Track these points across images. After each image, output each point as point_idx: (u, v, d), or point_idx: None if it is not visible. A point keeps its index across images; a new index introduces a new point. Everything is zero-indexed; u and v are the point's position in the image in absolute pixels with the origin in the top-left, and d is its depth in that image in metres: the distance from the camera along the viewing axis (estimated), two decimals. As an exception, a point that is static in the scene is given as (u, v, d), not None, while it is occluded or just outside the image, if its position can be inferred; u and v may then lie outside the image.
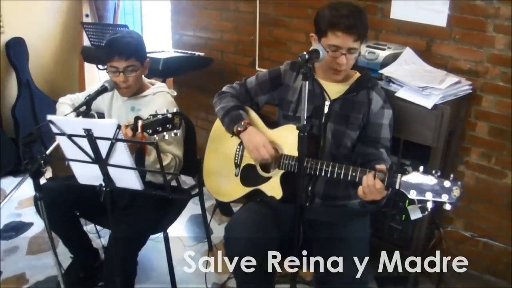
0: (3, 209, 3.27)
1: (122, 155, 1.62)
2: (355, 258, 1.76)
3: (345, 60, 1.84)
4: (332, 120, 1.94)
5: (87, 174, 1.74)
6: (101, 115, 2.41)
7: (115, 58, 2.11)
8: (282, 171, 1.91)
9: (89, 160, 1.67)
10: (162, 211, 2.28)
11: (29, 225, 3.09)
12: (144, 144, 1.96)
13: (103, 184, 1.72)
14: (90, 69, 4.03)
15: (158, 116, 1.82)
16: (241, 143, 2.03)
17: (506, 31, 2.31)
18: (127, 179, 1.69)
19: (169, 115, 1.80)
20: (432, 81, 2.26)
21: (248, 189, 2.01)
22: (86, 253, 2.41)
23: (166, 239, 2.25)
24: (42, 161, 1.79)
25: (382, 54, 2.43)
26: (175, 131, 1.81)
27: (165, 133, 1.82)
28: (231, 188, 2.07)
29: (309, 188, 1.96)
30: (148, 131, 1.85)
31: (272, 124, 2.05)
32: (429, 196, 1.51)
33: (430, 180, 1.52)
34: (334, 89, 1.96)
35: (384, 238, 2.52)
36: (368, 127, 1.95)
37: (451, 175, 1.52)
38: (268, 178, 1.96)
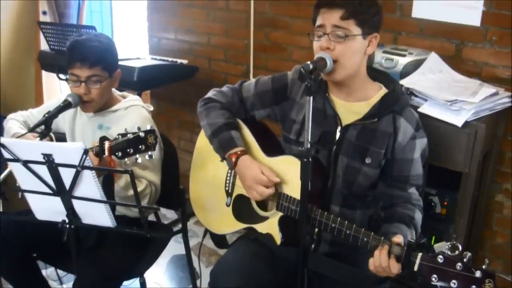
0: None
1: (89, 185, 1.63)
2: None
3: (330, 44, 1.71)
4: (345, 152, 1.85)
5: (47, 209, 1.76)
6: (61, 136, 2.41)
7: (77, 65, 2.11)
8: (280, 214, 1.86)
9: (49, 191, 1.68)
10: (138, 251, 2.28)
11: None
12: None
13: (67, 221, 1.74)
14: (49, 78, 4.00)
15: (129, 135, 1.81)
16: (230, 169, 2.02)
17: None
18: (96, 214, 1.71)
19: (142, 134, 1.78)
20: (463, 93, 2.28)
21: (241, 225, 2.01)
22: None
23: (143, 286, 2.24)
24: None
25: (402, 61, 2.44)
26: (149, 152, 1.82)
27: (137, 155, 1.83)
28: (222, 220, 2.08)
29: (315, 230, 1.91)
30: (117, 153, 1.84)
31: (271, 147, 2.00)
32: (454, 285, 1.45)
33: (457, 265, 1.45)
34: (350, 110, 1.86)
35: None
36: (393, 164, 1.85)
37: (486, 262, 1.46)
38: (265, 218, 1.93)
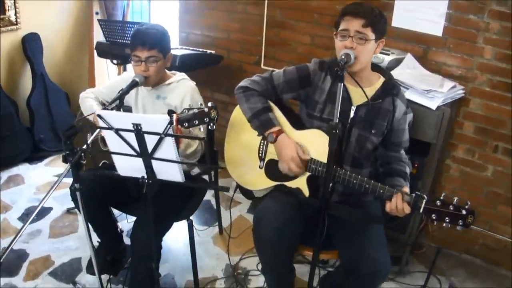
0: (23, 194, 3.10)
1: (168, 149, 1.52)
2: (376, 243, 1.75)
3: (353, 44, 1.69)
4: (357, 125, 1.84)
5: (129, 167, 1.64)
6: (127, 108, 2.26)
7: (138, 48, 1.97)
8: (308, 173, 1.82)
9: (134, 153, 1.56)
10: (186, 199, 2.20)
11: (48, 209, 2.93)
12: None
13: (146, 177, 1.62)
14: (99, 64, 3.83)
15: (194, 109, 1.70)
16: (263, 138, 1.94)
17: (494, 43, 2.35)
18: (170, 172, 1.60)
19: (206, 109, 1.69)
20: (433, 84, 2.25)
21: (273, 183, 1.93)
22: (113, 238, 2.30)
23: (190, 226, 2.16)
24: (82, 154, 1.66)
25: (387, 59, 2.38)
26: (211, 124, 1.72)
27: (201, 126, 1.73)
28: (255, 179, 1.99)
29: (330, 184, 1.83)
30: (184, 124, 1.74)
31: (296, 122, 1.94)
32: (447, 220, 1.53)
33: (449, 207, 1.52)
34: (358, 93, 1.83)
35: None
36: (391, 133, 1.87)
37: (468, 203, 1.53)
38: (295, 177, 1.87)
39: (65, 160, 1.63)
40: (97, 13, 3.71)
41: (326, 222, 1.66)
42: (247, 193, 2.10)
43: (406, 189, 1.66)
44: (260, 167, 1.98)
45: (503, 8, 2.27)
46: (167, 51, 2.08)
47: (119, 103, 1.87)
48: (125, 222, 2.62)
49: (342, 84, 1.54)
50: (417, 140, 2.23)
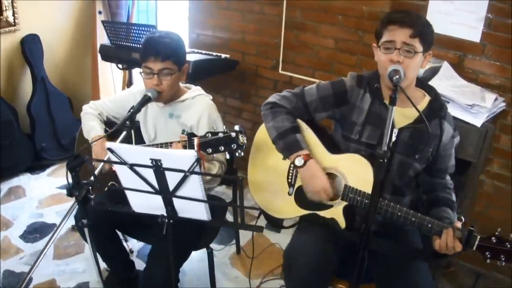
0: (25, 209, 2.91)
1: (193, 186, 1.33)
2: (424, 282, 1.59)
3: (400, 57, 1.49)
4: (400, 150, 1.64)
5: (145, 203, 1.45)
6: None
7: (151, 59, 1.76)
8: (345, 203, 1.64)
9: (152, 191, 1.37)
10: (203, 226, 1.99)
11: (52, 226, 2.75)
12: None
13: (166, 216, 1.43)
14: (103, 67, 3.60)
15: (219, 134, 1.53)
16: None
17: None
18: (195, 210, 1.41)
19: (233, 134, 1.51)
20: (475, 98, 2.06)
21: (304, 212, 1.74)
22: (124, 267, 2.12)
23: (211, 256, 1.98)
24: (90, 187, 1.46)
25: (423, 68, 2.17)
26: (239, 151, 1.53)
27: (226, 152, 1.54)
28: (283, 206, 1.80)
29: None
30: (207, 150, 1.55)
31: (331, 144, 1.75)
32: (503, 259, 1.38)
33: (505, 244, 1.38)
34: (403, 115, 1.64)
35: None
36: (437, 159, 1.68)
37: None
38: (329, 206, 1.69)
39: (70, 194, 1.43)
40: (100, 13, 3.48)
41: (366, 261, 1.48)
42: (274, 221, 1.90)
43: (458, 224, 1.47)
44: (290, 194, 1.78)
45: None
46: (183, 63, 1.86)
47: (130, 123, 1.66)
48: (135, 241, 2.44)
49: (393, 108, 1.37)
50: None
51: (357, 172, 1.62)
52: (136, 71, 3.46)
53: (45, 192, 3.08)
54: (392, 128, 1.59)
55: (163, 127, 1.96)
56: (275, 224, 1.91)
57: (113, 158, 1.31)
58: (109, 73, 3.63)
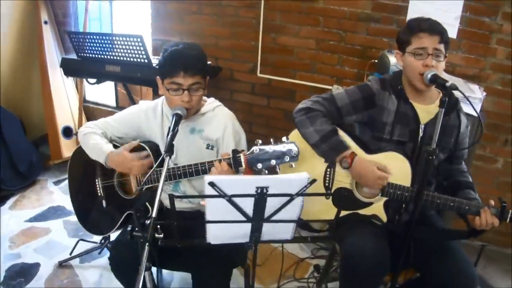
0: (-2, 252, 2.55)
1: (293, 209, 1.30)
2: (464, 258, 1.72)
3: (433, 62, 1.66)
4: (427, 143, 1.74)
5: (228, 233, 1.36)
6: (152, 145, 1.91)
7: (180, 74, 1.66)
8: (385, 198, 1.75)
9: (243, 219, 1.31)
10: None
11: (35, 266, 2.44)
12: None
13: (250, 243, 1.38)
14: (54, 82, 3.25)
15: (269, 147, 1.49)
16: (330, 166, 1.81)
17: (506, 44, 2.45)
18: (281, 231, 1.38)
19: (285, 146, 1.49)
20: (464, 89, 2.24)
21: (344, 212, 1.80)
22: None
23: (247, 272, 1.95)
24: (158, 226, 1.34)
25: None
26: (292, 163, 1.52)
27: (277, 166, 1.52)
28: (321, 210, 1.82)
29: (403, 205, 1.80)
30: (257, 165, 1.51)
31: (362, 145, 1.82)
32: None
33: None
34: (426, 111, 1.78)
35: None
36: (456, 147, 1.84)
37: None
38: (369, 204, 1.78)
39: (132, 237, 1.31)
40: (46, 23, 3.12)
41: (412, 249, 1.65)
42: (304, 225, 1.92)
43: (492, 203, 1.66)
44: (327, 198, 1.82)
45: (515, 10, 2.36)
46: (207, 75, 1.78)
47: (168, 149, 1.53)
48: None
49: (443, 110, 1.54)
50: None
51: (395, 168, 1.73)
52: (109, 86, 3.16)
53: (13, 228, 2.72)
54: (418, 124, 1.78)
55: (185, 144, 1.85)
56: (306, 227, 1.93)
57: (208, 192, 1.22)
58: (62, 88, 3.28)
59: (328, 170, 1.82)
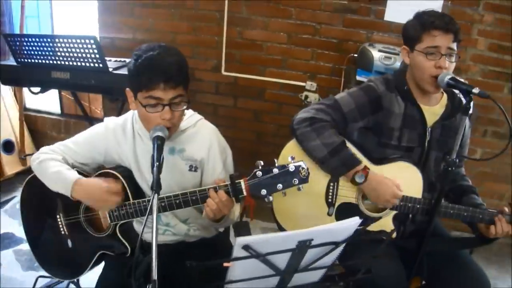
0: None
1: (330, 257, 1.07)
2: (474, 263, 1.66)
3: (447, 63, 1.49)
4: (434, 147, 1.64)
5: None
6: (125, 172, 1.57)
7: (159, 87, 1.32)
8: (394, 212, 1.61)
9: (272, 273, 1.05)
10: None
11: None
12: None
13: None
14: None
15: (274, 170, 1.25)
16: (333, 181, 1.62)
17: (487, 35, 2.39)
18: (312, 276, 1.15)
19: (292, 167, 1.24)
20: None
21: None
22: None
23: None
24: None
25: (399, 59, 2.19)
26: (300, 186, 1.28)
27: (284, 190, 1.28)
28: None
29: (410, 216, 1.68)
30: (261, 192, 1.26)
31: (368, 155, 1.64)
32: None
33: None
34: (432, 113, 1.62)
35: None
36: (461, 149, 1.69)
37: None
38: (377, 218, 1.62)
39: None
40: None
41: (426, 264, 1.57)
42: None
43: (506, 209, 1.57)
44: (329, 214, 1.64)
45: (497, 0, 2.30)
46: (188, 86, 1.46)
47: (156, 186, 1.23)
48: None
49: (466, 118, 1.46)
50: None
51: (404, 180, 1.58)
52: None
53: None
54: (424, 127, 1.63)
55: (163, 167, 1.51)
56: None
57: (237, 253, 0.94)
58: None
59: (332, 184, 1.62)
